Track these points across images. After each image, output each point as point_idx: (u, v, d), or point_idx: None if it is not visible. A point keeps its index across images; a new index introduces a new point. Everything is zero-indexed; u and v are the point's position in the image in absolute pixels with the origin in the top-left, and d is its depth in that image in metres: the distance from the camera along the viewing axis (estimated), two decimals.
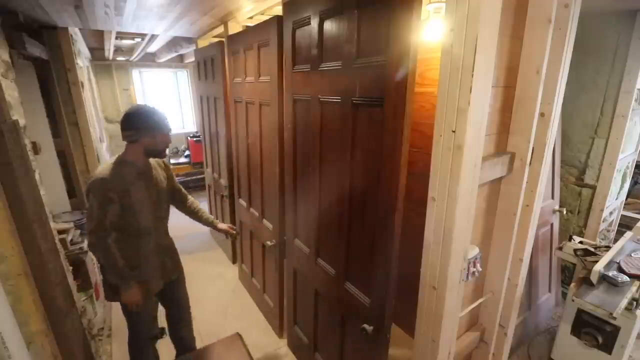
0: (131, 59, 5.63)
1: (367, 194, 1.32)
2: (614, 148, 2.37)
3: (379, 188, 1.23)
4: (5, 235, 1.23)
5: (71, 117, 2.99)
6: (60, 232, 2.18)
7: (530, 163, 1.38)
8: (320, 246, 1.72)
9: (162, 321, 1.85)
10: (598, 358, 1.77)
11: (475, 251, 1.30)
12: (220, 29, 2.97)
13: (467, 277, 1.27)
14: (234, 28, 2.67)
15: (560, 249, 2.14)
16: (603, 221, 2.58)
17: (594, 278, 1.79)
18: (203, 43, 3.44)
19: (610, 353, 1.73)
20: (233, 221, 3.04)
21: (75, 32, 3.19)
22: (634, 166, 2.89)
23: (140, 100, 6.21)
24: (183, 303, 1.92)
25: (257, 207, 2.43)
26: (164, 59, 5.43)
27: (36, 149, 2.12)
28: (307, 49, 1.54)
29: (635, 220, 3.04)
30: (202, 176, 5.16)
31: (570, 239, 2.18)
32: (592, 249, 2.02)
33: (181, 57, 5.87)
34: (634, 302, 1.65)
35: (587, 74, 2.41)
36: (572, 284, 1.85)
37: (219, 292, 2.99)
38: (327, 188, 1.58)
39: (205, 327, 2.49)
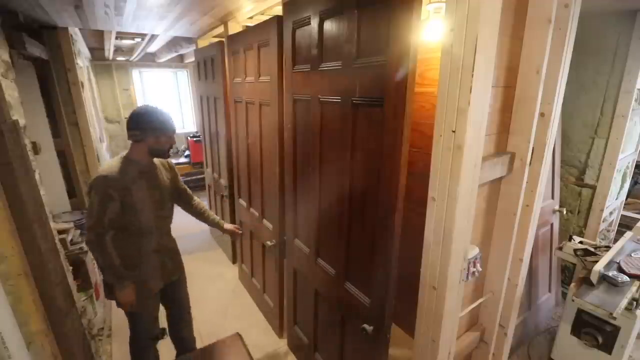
0: (131, 59, 5.64)
1: (367, 194, 1.32)
2: (614, 148, 2.37)
3: (379, 188, 1.23)
4: (5, 235, 1.23)
5: (71, 117, 2.99)
6: (60, 232, 2.18)
7: (530, 163, 1.38)
8: (320, 246, 1.72)
9: (162, 321, 1.85)
10: (598, 358, 1.77)
11: (475, 251, 1.30)
12: (220, 29, 2.97)
13: (467, 277, 1.27)
14: (234, 28, 2.67)
15: (560, 249, 2.14)
16: (603, 221, 2.58)
17: (594, 278, 1.79)
18: (203, 43, 3.44)
19: (610, 353, 1.73)
20: (233, 221, 3.04)
21: (75, 32, 3.19)
22: (634, 166, 2.89)
23: (140, 100, 6.21)
24: (184, 303, 1.92)
25: (257, 207, 2.43)
26: (164, 59, 5.44)
27: (36, 149, 2.12)
28: (307, 49, 1.54)
29: (635, 220, 3.04)
30: (202, 176, 5.16)
31: (570, 239, 2.18)
32: (592, 249, 2.02)
33: (181, 57, 5.88)
34: (634, 302, 1.65)
35: (587, 74, 2.41)
36: (572, 284, 1.85)
37: (219, 292, 2.99)
38: (327, 188, 1.58)
39: (205, 327, 2.49)
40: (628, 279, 1.76)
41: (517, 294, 1.58)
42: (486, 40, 0.96)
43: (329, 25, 1.38)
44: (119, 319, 2.40)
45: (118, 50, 5.13)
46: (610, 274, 1.79)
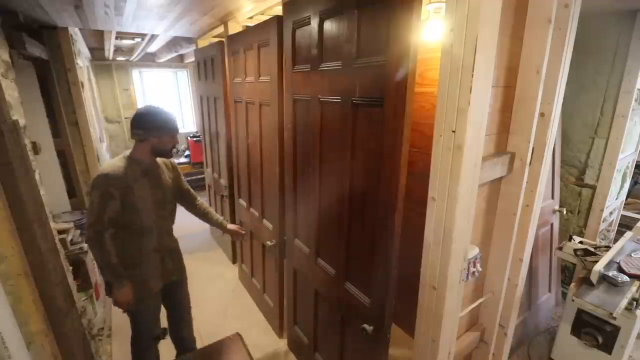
0: (131, 59, 5.64)
1: (367, 194, 1.32)
2: (614, 148, 2.37)
3: (379, 188, 1.23)
4: (5, 235, 1.23)
5: (71, 117, 2.99)
6: (60, 232, 2.18)
7: (530, 163, 1.38)
8: (320, 246, 1.72)
9: (162, 321, 1.85)
10: (598, 358, 1.77)
11: (475, 251, 1.30)
12: (220, 29, 2.97)
13: (467, 277, 1.27)
14: (234, 28, 2.67)
15: (560, 249, 2.14)
16: (603, 221, 2.58)
17: (594, 278, 1.79)
18: (203, 43, 3.44)
19: (610, 353, 1.73)
20: (233, 221, 3.04)
21: (75, 32, 3.19)
22: (634, 166, 2.89)
23: (140, 100, 6.21)
24: (184, 304, 1.92)
25: (257, 207, 2.43)
26: (164, 59, 5.44)
27: (36, 149, 2.12)
28: (307, 49, 1.54)
29: (635, 220, 3.04)
30: (202, 176, 5.16)
31: (570, 239, 2.18)
32: (592, 249, 2.02)
33: (181, 57, 5.88)
34: (634, 302, 1.65)
35: (587, 74, 2.41)
36: (572, 284, 1.85)
37: (219, 292, 2.99)
38: (327, 188, 1.58)
39: (205, 327, 2.49)
40: (628, 279, 1.76)
41: (517, 294, 1.58)
42: (486, 40, 0.96)
43: (329, 25, 1.38)
44: (119, 319, 2.40)
45: (118, 50, 5.13)
46: (610, 274, 1.79)
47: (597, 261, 1.87)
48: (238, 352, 1.61)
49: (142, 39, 4.04)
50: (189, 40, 3.81)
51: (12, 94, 1.36)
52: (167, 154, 1.65)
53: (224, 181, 3.19)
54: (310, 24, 1.47)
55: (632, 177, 3.09)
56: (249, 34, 2.17)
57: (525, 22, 1.26)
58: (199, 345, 2.00)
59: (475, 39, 0.92)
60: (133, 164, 1.55)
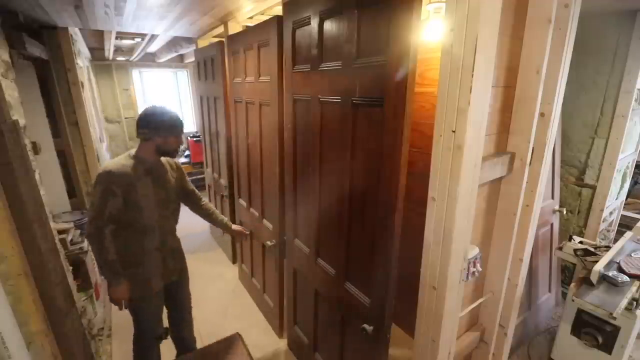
0: (131, 59, 5.64)
1: (367, 194, 1.32)
2: (614, 148, 2.37)
3: (379, 188, 1.23)
4: (5, 235, 1.23)
5: (71, 117, 2.99)
6: (60, 232, 2.18)
7: (530, 163, 1.38)
8: (320, 246, 1.72)
9: (164, 321, 1.85)
10: (598, 358, 1.77)
11: (475, 251, 1.30)
12: (220, 29, 2.97)
13: (467, 277, 1.27)
14: (234, 28, 2.67)
15: (560, 249, 2.14)
16: (603, 221, 2.58)
17: (594, 278, 1.79)
18: (203, 43, 3.44)
19: (610, 353, 1.73)
20: (233, 221, 3.04)
21: (75, 32, 3.19)
22: (634, 166, 2.89)
23: (140, 100, 6.22)
24: (185, 304, 1.92)
25: (257, 207, 2.43)
26: (164, 59, 5.44)
27: (36, 149, 2.12)
28: (307, 49, 1.54)
29: (635, 220, 3.04)
30: (202, 176, 5.16)
31: (570, 239, 2.18)
32: (592, 249, 2.02)
33: (181, 57, 5.88)
34: (634, 302, 1.65)
35: (587, 74, 2.41)
36: (572, 284, 1.85)
37: (219, 292, 2.99)
38: (327, 188, 1.58)
39: (205, 327, 2.49)
40: (628, 279, 1.76)
41: (517, 294, 1.58)
42: (486, 40, 0.96)
43: (329, 25, 1.38)
44: (119, 319, 2.40)
45: (118, 50, 5.13)
46: (610, 274, 1.79)
47: (597, 261, 1.87)
48: (238, 352, 1.61)
49: (142, 39, 4.05)
50: (189, 40, 3.81)
51: (12, 94, 1.36)
52: (172, 154, 1.67)
53: (224, 181, 3.19)
54: (310, 24, 1.47)
55: (632, 177, 3.09)
56: (249, 34, 2.17)
57: (525, 22, 1.26)
58: (199, 345, 2.00)
59: (475, 39, 0.92)
60: (137, 163, 1.56)
